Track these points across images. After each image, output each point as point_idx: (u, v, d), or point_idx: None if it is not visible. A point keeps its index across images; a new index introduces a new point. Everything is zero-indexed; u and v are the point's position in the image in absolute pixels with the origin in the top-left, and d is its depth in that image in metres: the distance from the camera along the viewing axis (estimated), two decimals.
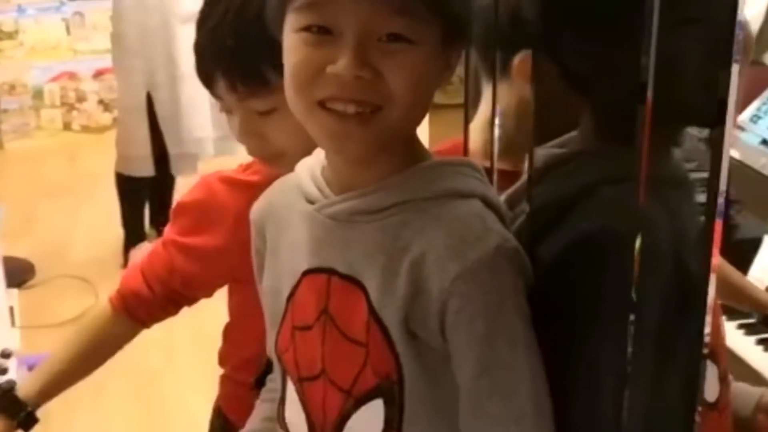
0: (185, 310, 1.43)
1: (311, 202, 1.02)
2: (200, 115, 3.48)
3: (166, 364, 3.14)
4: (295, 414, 1.07)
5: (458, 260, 0.92)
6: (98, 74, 5.63)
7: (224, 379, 1.50)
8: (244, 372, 1.35)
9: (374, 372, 0.97)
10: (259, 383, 1.24)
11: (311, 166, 1.05)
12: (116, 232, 3.87)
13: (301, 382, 1.05)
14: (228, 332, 1.49)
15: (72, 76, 5.66)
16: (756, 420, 1.36)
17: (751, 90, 2.13)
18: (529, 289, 0.96)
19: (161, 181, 3.70)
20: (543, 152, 1.06)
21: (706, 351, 0.94)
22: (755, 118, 2.15)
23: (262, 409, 1.20)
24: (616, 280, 0.94)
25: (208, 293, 1.42)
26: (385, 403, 0.98)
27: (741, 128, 2.12)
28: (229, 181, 1.35)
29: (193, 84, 3.39)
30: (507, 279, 0.93)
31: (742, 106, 2.09)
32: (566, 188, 1.01)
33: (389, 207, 0.97)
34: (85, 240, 4.10)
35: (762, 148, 2.09)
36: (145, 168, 3.64)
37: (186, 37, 3.34)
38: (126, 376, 2.86)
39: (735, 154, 1.97)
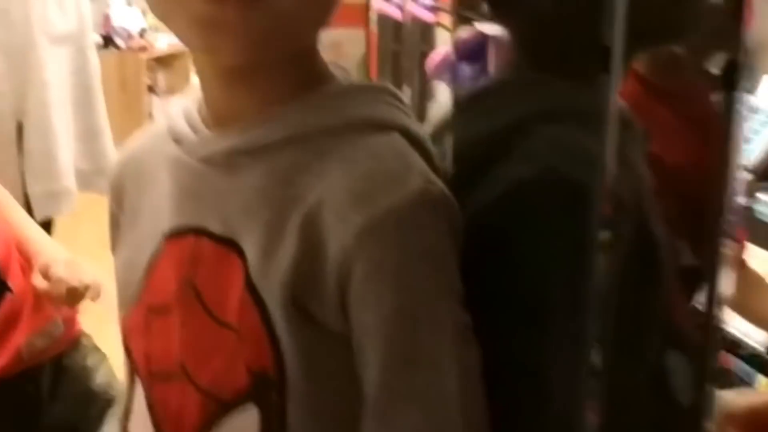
0: None
1: (180, 144, 0.78)
2: (71, 144, 3.16)
3: None
4: (141, 429, 0.80)
5: (364, 208, 0.68)
6: None
7: None
8: None
9: (246, 366, 0.72)
10: None
11: (185, 105, 0.81)
12: None
13: (151, 382, 0.78)
14: None
15: None
16: None
17: None
18: (460, 251, 0.72)
19: None
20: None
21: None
22: None
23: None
24: (567, 241, 0.71)
25: None
26: (261, 410, 0.72)
27: None
28: None
29: (66, 111, 3.12)
30: (432, 235, 0.70)
31: None
32: (492, 125, 0.79)
33: (280, 143, 0.73)
34: None
35: None
36: None
37: (57, 59, 3.10)
38: None
39: None
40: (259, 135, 0.74)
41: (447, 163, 0.80)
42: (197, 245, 0.77)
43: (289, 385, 0.71)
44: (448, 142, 0.84)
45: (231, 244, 0.75)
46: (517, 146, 0.76)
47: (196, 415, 0.74)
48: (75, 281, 1.55)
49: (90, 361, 1.76)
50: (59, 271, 1.56)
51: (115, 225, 0.89)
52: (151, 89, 5.51)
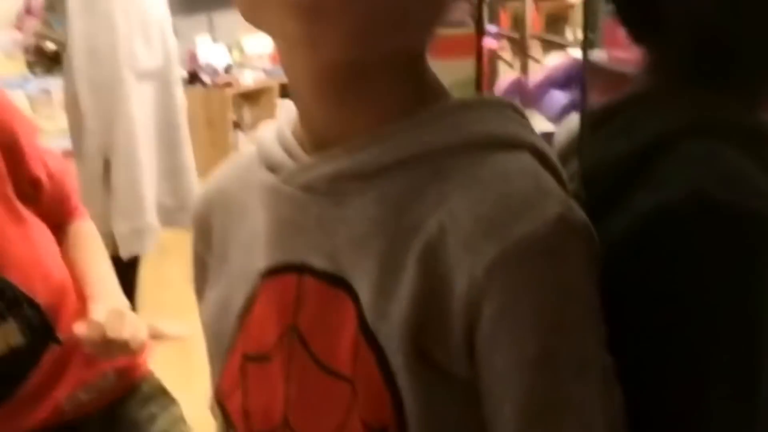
0: None
1: (277, 171, 0.69)
2: (155, 181, 3.14)
3: None
4: None
5: (496, 237, 0.60)
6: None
7: None
8: None
9: (363, 422, 0.63)
10: None
11: (279, 128, 0.72)
12: None
13: None
14: None
15: None
16: None
17: None
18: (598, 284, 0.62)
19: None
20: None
21: None
22: None
23: None
24: (721, 278, 0.60)
25: None
26: None
27: None
28: None
29: (151, 147, 3.10)
30: (574, 267, 0.61)
31: None
32: (629, 143, 0.70)
33: (393, 166, 0.65)
34: None
35: None
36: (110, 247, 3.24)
37: (143, 95, 3.09)
38: None
39: None
40: (369, 157, 0.66)
41: (575, 188, 0.70)
42: (300, 285, 0.68)
43: None
44: (574, 166, 0.74)
45: (340, 283, 0.66)
46: (660, 166, 0.67)
47: None
48: (114, 332, 1.34)
49: (148, 410, 1.57)
50: (99, 318, 1.35)
51: (201, 266, 0.81)
52: (237, 125, 5.53)
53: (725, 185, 0.63)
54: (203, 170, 3.24)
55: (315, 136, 0.69)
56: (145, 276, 3.33)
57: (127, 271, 3.35)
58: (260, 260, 0.71)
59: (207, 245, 0.79)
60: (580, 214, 0.63)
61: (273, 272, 0.70)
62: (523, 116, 0.70)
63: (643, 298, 0.65)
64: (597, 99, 0.88)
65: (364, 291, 0.65)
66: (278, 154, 0.71)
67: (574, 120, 0.84)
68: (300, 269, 0.68)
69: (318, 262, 0.67)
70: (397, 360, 0.62)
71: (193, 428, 2.69)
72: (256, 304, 0.72)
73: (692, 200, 0.63)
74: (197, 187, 3.20)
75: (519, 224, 0.60)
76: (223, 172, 0.81)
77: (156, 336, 3.61)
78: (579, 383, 0.61)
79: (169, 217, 3.18)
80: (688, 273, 0.63)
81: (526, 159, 0.65)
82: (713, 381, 0.63)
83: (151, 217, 3.13)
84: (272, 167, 0.71)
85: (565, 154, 0.78)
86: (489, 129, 0.66)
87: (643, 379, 0.64)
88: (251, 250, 0.73)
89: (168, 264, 3.90)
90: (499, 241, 0.60)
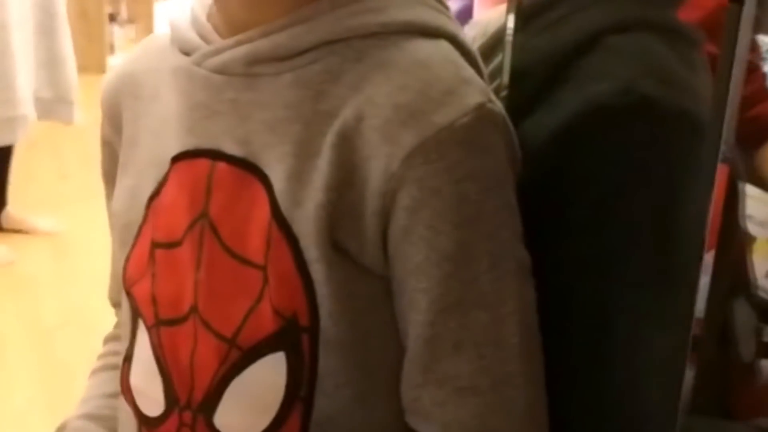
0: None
1: (189, 53, 0.68)
2: (31, 70, 2.99)
3: None
4: (146, 377, 0.70)
5: (417, 126, 0.59)
6: None
7: None
8: None
9: (274, 309, 0.63)
10: None
11: (193, 12, 0.70)
12: None
13: (158, 328, 0.69)
14: None
15: None
16: None
17: None
18: (516, 182, 0.63)
19: None
20: None
21: None
22: None
23: (99, 381, 0.82)
24: (658, 171, 0.62)
25: None
26: (289, 358, 0.64)
27: None
28: None
29: (23, 32, 2.94)
30: (494, 159, 0.61)
31: None
32: (558, 40, 0.69)
33: (309, 49, 0.63)
34: None
35: None
36: None
37: None
38: None
39: None
40: (286, 39, 0.64)
41: (501, 83, 0.71)
42: (212, 169, 0.67)
43: (323, 331, 0.63)
44: (495, 62, 0.74)
45: (252, 168, 0.65)
46: (588, 62, 0.67)
47: (215, 364, 0.66)
48: None
49: None
50: None
51: (109, 152, 0.79)
52: (112, 18, 5.31)
53: (657, 81, 0.64)
54: (78, 65, 3.10)
55: (231, 21, 0.68)
56: (14, 170, 3.21)
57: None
58: (172, 145, 0.70)
59: (116, 131, 0.77)
60: (499, 106, 0.63)
61: (185, 157, 0.69)
62: (445, 6, 0.70)
63: (570, 193, 0.65)
64: None
65: (278, 177, 0.64)
66: (193, 39, 0.69)
67: (488, 18, 0.84)
68: (212, 154, 0.67)
69: (231, 147, 0.66)
70: (310, 249, 0.62)
71: (70, 322, 2.65)
72: (167, 190, 0.70)
73: (624, 95, 0.63)
74: (75, 80, 3.07)
75: (439, 113, 0.60)
76: (134, 56, 0.78)
77: (27, 230, 3.48)
78: (492, 276, 0.62)
79: (45, 109, 3.05)
80: (617, 168, 0.64)
81: (445, 47, 0.65)
82: (628, 270, 0.65)
83: (26, 108, 2.99)
84: (186, 51, 0.69)
85: (486, 50, 0.78)
86: (410, 16, 0.65)
87: (560, 275, 0.66)
88: (162, 135, 0.71)
89: (38, 158, 3.77)
90: (419, 131, 0.60)
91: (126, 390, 0.73)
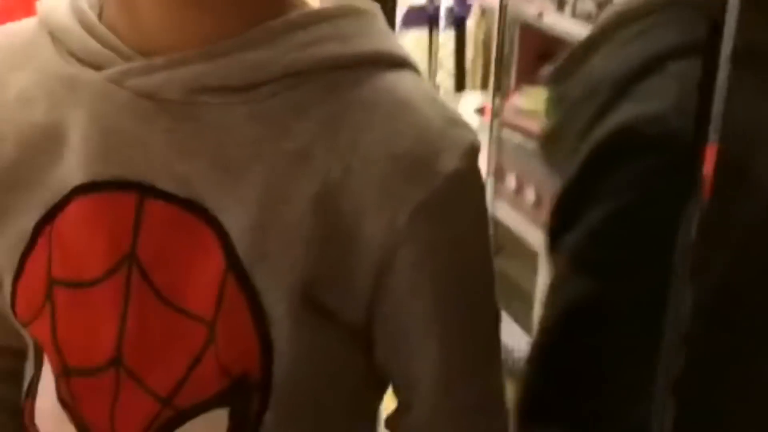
0: None
1: (96, 66, 0.59)
2: None
3: None
4: (54, 423, 0.64)
5: (422, 179, 0.57)
6: None
7: None
8: None
9: (222, 368, 0.58)
10: None
11: (78, 11, 0.61)
12: None
13: (68, 378, 0.61)
14: None
15: None
16: None
17: None
18: None
19: None
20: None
21: None
22: None
23: None
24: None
25: None
26: (232, 417, 0.59)
27: None
28: None
29: None
30: (482, 194, 0.62)
31: None
32: (627, 60, 0.68)
33: (268, 81, 0.57)
34: None
35: None
36: None
37: None
38: None
39: None
40: (238, 67, 0.57)
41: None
42: (141, 207, 0.59)
43: (275, 391, 0.59)
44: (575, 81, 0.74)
45: (198, 212, 0.58)
46: (648, 86, 0.65)
47: (144, 422, 0.60)
48: None
49: None
50: None
51: None
52: None
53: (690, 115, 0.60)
54: None
55: (143, 33, 0.59)
56: None
57: None
58: (72, 171, 0.60)
59: None
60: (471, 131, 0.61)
61: (96, 188, 0.60)
62: (384, 22, 0.65)
63: (582, 207, 0.66)
64: None
65: (236, 226, 0.57)
66: (94, 48, 0.60)
67: None
68: (141, 189, 0.59)
69: (167, 184, 0.59)
70: (276, 307, 0.57)
71: None
72: (68, 221, 0.61)
73: (651, 124, 0.63)
74: None
75: (440, 161, 0.57)
76: None
77: None
78: (487, 301, 0.64)
79: None
80: (620, 192, 0.64)
81: (413, 79, 0.61)
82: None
83: None
84: (91, 63, 0.60)
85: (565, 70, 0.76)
86: (375, 46, 0.61)
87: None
88: (50, 154, 0.61)
89: None
90: (426, 185, 0.57)
91: (31, 424, 0.67)
